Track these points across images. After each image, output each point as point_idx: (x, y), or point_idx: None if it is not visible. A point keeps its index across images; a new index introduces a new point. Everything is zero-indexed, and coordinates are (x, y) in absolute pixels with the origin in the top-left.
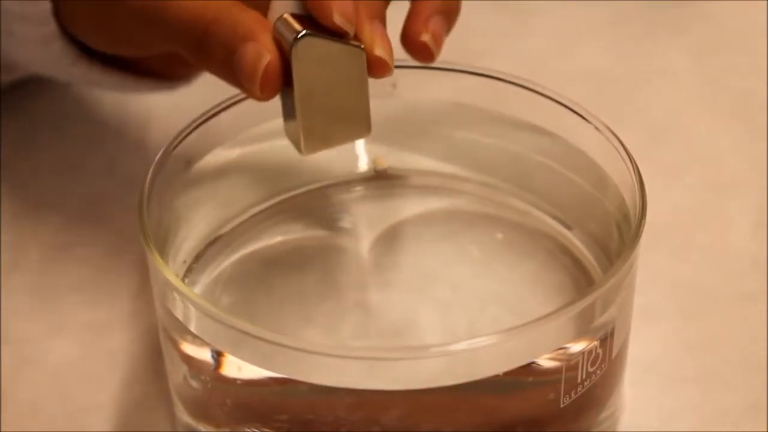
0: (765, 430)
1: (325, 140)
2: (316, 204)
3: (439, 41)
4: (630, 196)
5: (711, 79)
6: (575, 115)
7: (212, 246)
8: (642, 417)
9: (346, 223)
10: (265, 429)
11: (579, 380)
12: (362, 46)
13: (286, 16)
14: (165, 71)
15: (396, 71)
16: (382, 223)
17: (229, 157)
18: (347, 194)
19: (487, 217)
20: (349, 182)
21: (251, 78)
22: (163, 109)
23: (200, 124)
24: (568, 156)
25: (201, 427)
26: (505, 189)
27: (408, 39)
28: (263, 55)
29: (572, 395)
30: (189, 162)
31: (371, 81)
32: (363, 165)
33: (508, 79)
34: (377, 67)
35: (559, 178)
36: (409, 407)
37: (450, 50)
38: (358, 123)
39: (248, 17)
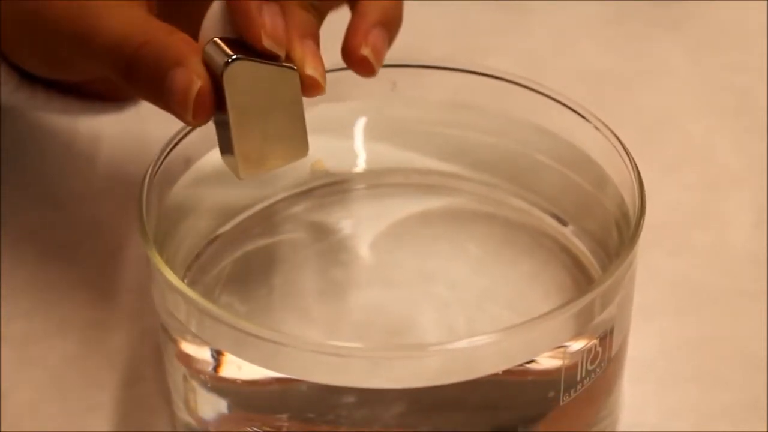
0: (764, 429)
1: (262, 163)
2: (315, 203)
3: (379, 54)
4: (629, 195)
5: (709, 77)
6: (575, 114)
7: (212, 245)
8: (641, 415)
9: (346, 222)
10: (265, 428)
11: (578, 378)
12: (294, 67)
13: (216, 39)
14: (111, 93)
15: (395, 71)
16: (382, 222)
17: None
18: (347, 193)
19: (486, 216)
20: (349, 181)
21: (183, 105)
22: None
23: None
24: (567, 154)
25: (201, 426)
26: (504, 188)
27: (348, 53)
28: (194, 80)
29: (572, 393)
30: (188, 160)
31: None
32: (362, 163)
33: (507, 78)
34: (309, 87)
35: (559, 176)
36: (409, 405)
37: (449, 49)
38: (294, 144)
39: (177, 40)
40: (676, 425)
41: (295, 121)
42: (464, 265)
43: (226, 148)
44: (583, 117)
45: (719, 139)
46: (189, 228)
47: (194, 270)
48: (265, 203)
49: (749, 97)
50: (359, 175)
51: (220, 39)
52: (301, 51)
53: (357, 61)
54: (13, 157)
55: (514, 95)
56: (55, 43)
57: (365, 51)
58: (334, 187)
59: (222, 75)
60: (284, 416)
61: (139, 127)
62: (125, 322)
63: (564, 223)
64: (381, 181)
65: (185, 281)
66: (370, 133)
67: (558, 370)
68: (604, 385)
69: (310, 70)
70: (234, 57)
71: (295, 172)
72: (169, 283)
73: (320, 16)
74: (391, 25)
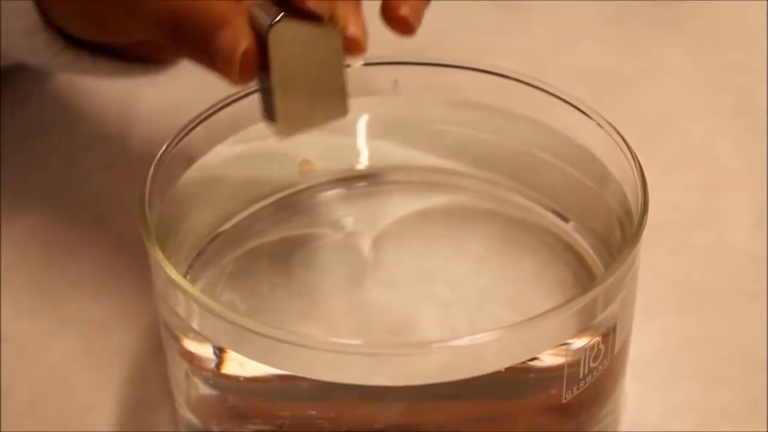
0: (765, 428)
1: (302, 123)
2: (317, 200)
3: (418, 13)
4: (632, 192)
5: (710, 77)
6: (577, 111)
7: (214, 242)
8: (643, 414)
9: (347, 220)
10: (267, 425)
11: (581, 376)
12: (337, 27)
13: (261, 0)
14: (151, 56)
15: (397, 68)
16: (384, 220)
17: (230, 154)
18: (349, 191)
19: (488, 214)
20: (350, 179)
21: (229, 64)
22: (165, 105)
23: (202, 120)
24: (569, 152)
25: (202, 424)
26: (506, 185)
27: (387, 13)
28: (240, 40)
29: (574, 391)
30: (191, 158)
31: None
32: (364, 161)
33: (509, 75)
34: (352, 47)
35: (561, 174)
36: (411, 403)
37: (451, 47)
38: (334, 104)
39: (222, 2)
40: (677, 424)
41: (336, 81)
42: (466, 263)
43: (267, 108)
44: (586, 114)
45: (719, 139)
46: (191, 225)
47: (196, 267)
48: (267, 201)
49: (749, 96)
50: (361, 172)
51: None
52: (344, 11)
53: (397, 21)
54: (14, 156)
55: (516, 92)
56: (102, 5)
57: (404, 10)
58: (335, 184)
59: (267, 35)
60: (286, 413)
61: (142, 125)
62: (127, 319)
63: (566, 220)
64: (383, 178)
65: (187, 278)
66: (372, 131)
67: (560, 367)
68: (607, 383)
69: (352, 30)
70: (279, 17)
71: (297, 169)
72: (171, 280)
73: None
74: None
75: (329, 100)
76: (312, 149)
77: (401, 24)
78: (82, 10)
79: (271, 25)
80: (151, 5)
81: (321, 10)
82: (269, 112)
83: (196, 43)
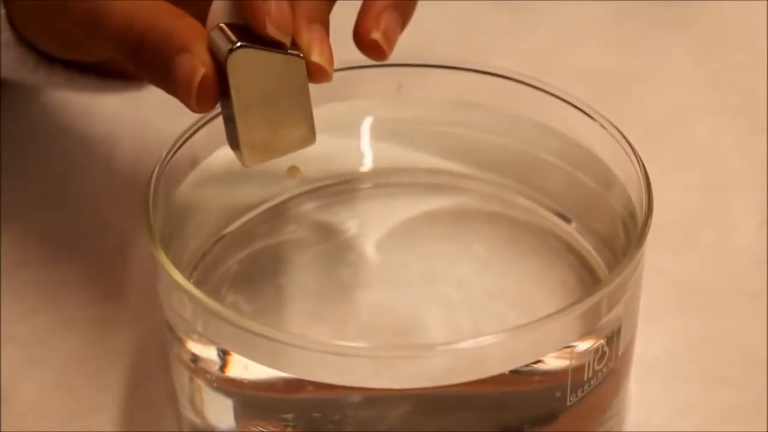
0: None
1: (268, 151)
2: (322, 202)
3: (391, 39)
4: (636, 194)
5: (713, 77)
6: (581, 113)
7: (218, 244)
8: (647, 415)
9: (352, 222)
10: (271, 428)
11: (585, 378)
12: (300, 55)
13: (222, 25)
14: (130, 73)
15: (401, 70)
16: (388, 222)
17: (235, 156)
18: (353, 193)
19: (492, 216)
20: (355, 180)
21: (187, 91)
22: (168, 106)
23: (206, 122)
24: (573, 154)
25: (206, 426)
26: (510, 187)
27: (358, 36)
28: (198, 67)
29: (579, 393)
30: (195, 160)
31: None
32: (368, 163)
33: (513, 77)
34: (315, 74)
35: (565, 176)
36: (415, 406)
37: (453, 49)
38: (301, 131)
39: (183, 26)
40: (681, 425)
41: (301, 109)
42: (470, 264)
43: (232, 136)
44: (590, 116)
45: (723, 139)
46: (195, 227)
47: (200, 269)
48: (271, 203)
49: (752, 96)
50: (365, 174)
51: (227, 25)
52: (308, 37)
53: (368, 45)
54: (16, 156)
55: (520, 94)
56: (67, 24)
57: (376, 35)
58: (340, 186)
59: (226, 62)
60: (290, 416)
61: (145, 126)
62: (131, 321)
63: (570, 222)
64: (387, 180)
65: (191, 281)
66: (376, 133)
67: (565, 370)
68: (611, 385)
69: (316, 57)
70: (238, 45)
71: (302, 171)
72: (176, 282)
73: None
74: (404, 7)
75: (294, 128)
76: (316, 152)
77: (371, 49)
78: (49, 28)
79: (229, 51)
80: (111, 24)
81: (281, 37)
82: (233, 140)
83: (155, 67)
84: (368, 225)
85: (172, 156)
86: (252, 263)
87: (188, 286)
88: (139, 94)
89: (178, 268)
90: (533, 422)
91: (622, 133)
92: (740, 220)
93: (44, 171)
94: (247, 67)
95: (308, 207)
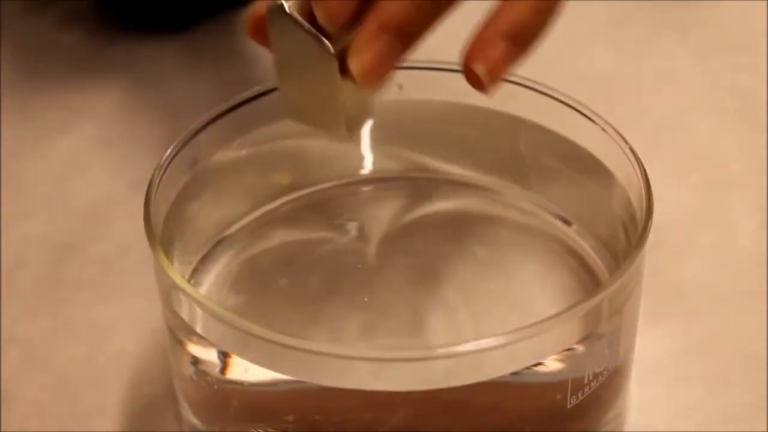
0: None
1: (305, 116)
2: (322, 205)
3: (495, 73)
4: (636, 197)
5: (714, 79)
6: (581, 116)
7: (218, 246)
8: (647, 417)
9: (352, 224)
10: (271, 430)
11: (586, 381)
12: (332, 51)
13: None
14: None
15: (401, 73)
16: (388, 224)
17: (235, 158)
18: (354, 195)
19: (493, 218)
20: (355, 183)
21: (244, 21)
22: (170, 109)
23: (207, 124)
24: (574, 157)
25: (207, 428)
26: (511, 190)
27: (462, 61)
28: (259, 5)
29: (579, 396)
30: (195, 162)
31: None
32: (369, 165)
33: (514, 79)
34: (354, 76)
35: (565, 178)
36: (416, 408)
37: (454, 51)
38: (331, 121)
39: None
40: (682, 426)
41: (331, 102)
42: (471, 267)
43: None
44: (590, 119)
45: (724, 141)
46: (196, 228)
47: (201, 270)
48: (271, 205)
49: (754, 98)
50: (366, 177)
51: None
52: (361, 40)
53: (468, 75)
54: (16, 159)
55: (521, 97)
56: None
57: (478, 67)
58: (340, 189)
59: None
60: (290, 418)
61: (145, 129)
62: (131, 323)
63: (570, 225)
64: (388, 183)
65: (192, 282)
66: (377, 136)
67: (565, 372)
68: (612, 387)
69: (352, 62)
70: (277, 4)
71: (302, 174)
72: (176, 284)
73: (436, 11)
74: (520, 38)
75: (327, 115)
76: (316, 153)
77: (471, 80)
78: None
79: (269, 7)
80: None
81: (326, 24)
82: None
83: None
84: (368, 227)
85: (173, 158)
86: (252, 265)
87: (188, 288)
88: (140, 95)
89: (178, 269)
90: (534, 424)
91: (622, 136)
92: (742, 222)
93: (44, 173)
94: (283, 31)
95: (308, 209)
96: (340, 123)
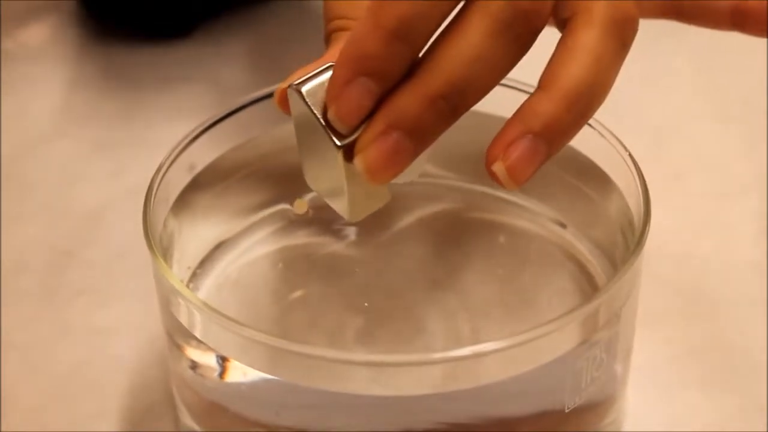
0: None
1: (316, 185)
2: (320, 209)
3: (519, 174)
4: (634, 202)
5: (713, 83)
6: None
7: (216, 251)
8: (645, 422)
9: (350, 229)
10: None
11: (583, 385)
12: (339, 144)
13: (327, 66)
14: None
15: None
16: (386, 229)
17: (233, 163)
18: None
19: (491, 223)
20: None
21: (276, 91)
22: (168, 113)
23: (205, 129)
24: (571, 161)
25: None
26: (509, 194)
27: (485, 158)
28: (286, 81)
29: (576, 400)
30: (193, 167)
31: None
32: None
33: (511, 84)
34: (362, 171)
35: (563, 184)
36: (414, 413)
37: None
38: (340, 202)
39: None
40: None
41: (338, 183)
42: (469, 272)
43: None
44: (588, 124)
45: (723, 147)
46: (194, 233)
47: (199, 275)
48: (270, 210)
49: (753, 103)
50: None
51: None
52: (368, 138)
53: (491, 174)
54: (17, 162)
55: (519, 101)
56: None
57: (497, 167)
58: None
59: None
60: (289, 423)
61: (144, 133)
62: (130, 327)
63: (568, 229)
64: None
65: (190, 286)
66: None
67: (563, 377)
68: (609, 392)
69: (357, 160)
70: (294, 86)
71: (300, 178)
72: (174, 288)
73: (452, 115)
74: (551, 135)
75: (336, 193)
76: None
77: (495, 179)
78: None
79: (289, 86)
80: None
81: (336, 124)
82: None
83: None
84: (366, 232)
85: (171, 163)
86: (250, 270)
87: (187, 292)
88: (138, 98)
89: (177, 274)
90: (531, 429)
91: (620, 141)
92: (741, 228)
93: (44, 177)
94: (299, 111)
95: (307, 214)
96: (345, 206)
